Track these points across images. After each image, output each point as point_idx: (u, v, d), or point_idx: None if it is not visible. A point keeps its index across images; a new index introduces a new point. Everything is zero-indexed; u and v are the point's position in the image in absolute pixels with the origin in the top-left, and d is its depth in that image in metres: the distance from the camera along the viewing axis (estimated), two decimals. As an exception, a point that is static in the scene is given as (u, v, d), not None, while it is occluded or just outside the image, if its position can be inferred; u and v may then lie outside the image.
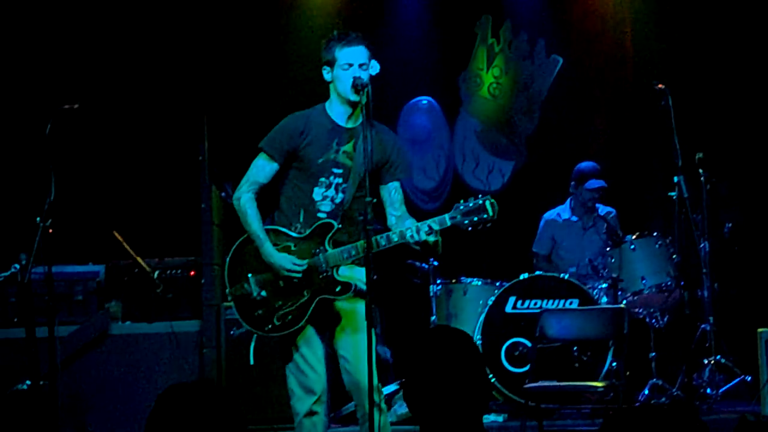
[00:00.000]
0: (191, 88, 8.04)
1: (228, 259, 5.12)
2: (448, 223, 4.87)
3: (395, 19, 8.98)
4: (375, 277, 4.77)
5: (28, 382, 6.04)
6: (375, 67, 5.01)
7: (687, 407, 2.66)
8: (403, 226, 5.04)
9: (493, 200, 4.87)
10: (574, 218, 7.87)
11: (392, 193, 5.16)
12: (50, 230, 5.75)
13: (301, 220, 5.06)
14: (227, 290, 5.12)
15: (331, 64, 5.04)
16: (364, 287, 4.85)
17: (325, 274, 5.01)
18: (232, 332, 6.81)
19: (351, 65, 4.99)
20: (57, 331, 5.91)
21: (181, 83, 8.22)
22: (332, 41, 5.05)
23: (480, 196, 4.90)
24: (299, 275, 4.99)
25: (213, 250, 6.92)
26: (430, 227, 4.87)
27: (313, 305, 5.00)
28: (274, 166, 5.09)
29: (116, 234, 7.08)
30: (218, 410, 2.78)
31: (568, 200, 7.90)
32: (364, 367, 4.67)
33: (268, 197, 5.17)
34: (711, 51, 8.35)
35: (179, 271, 7.06)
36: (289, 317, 5.01)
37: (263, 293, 5.03)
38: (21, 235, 6.17)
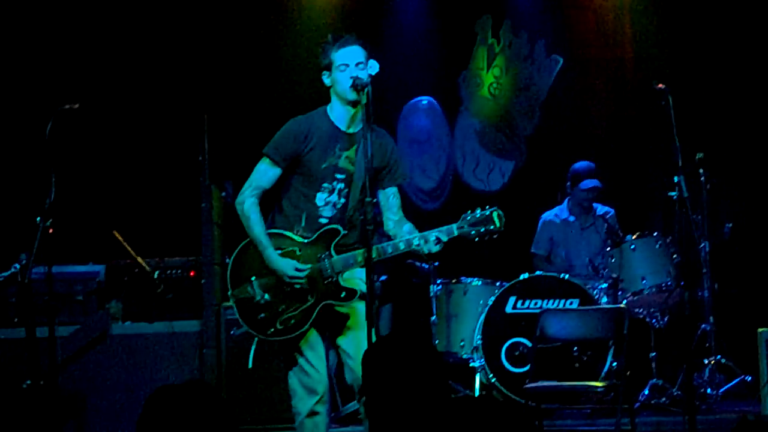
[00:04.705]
0: (191, 88, 8.05)
1: (231, 261, 5.12)
2: (456, 233, 4.89)
3: (395, 19, 8.98)
4: (383, 279, 4.78)
5: (28, 382, 6.03)
6: (374, 67, 5.01)
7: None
8: (402, 230, 5.06)
9: (500, 212, 4.90)
10: (572, 218, 7.88)
11: (390, 198, 5.18)
12: (50, 230, 5.75)
13: (303, 224, 5.06)
14: (229, 292, 5.11)
15: (329, 67, 5.06)
16: (365, 289, 4.86)
17: (329, 280, 5.01)
18: (232, 332, 6.81)
19: (347, 65, 5.00)
20: (57, 331, 5.91)
21: (181, 83, 8.23)
22: (328, 45, 5.07)
23: (487, 207, 4.92)
24: (302, 281, 4.99)
25: (213, 250, 6.92)
26: (438, 238, 4.88)
27: (317, 310, 5.00)
28: (277, 171, 5.09)
29: (116, 234, 7.08)
30: (207, 411, 2.78)
31: (566, 200, 7.91)
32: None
33: (266, 199, 5.17)
34: (711, 51, 8.36)
35: (179, 271, 7.06)
36: (292, 321, 5.01)
37: (267, 297, 5.02)
38: (21, 235, 6.17)
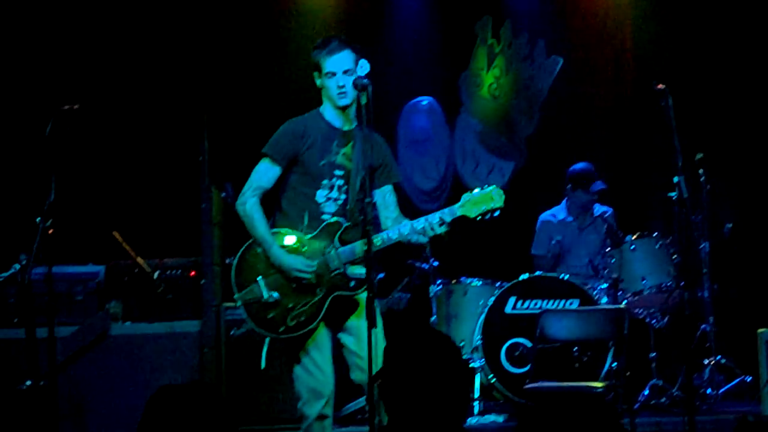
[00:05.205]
0: (191, 89, 8.04)
1: (234, 265, 5.11)
2: (458, 213, 4.94)
3: (395, 19, 8.98)
4: (381, 276, 4.78)
5: (29, 382, 6.03)
6: (365, 67, 5.04)
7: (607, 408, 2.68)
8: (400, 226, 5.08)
9: (500, 190, 4.95)
10: (570, 218, 7.88)
11: (386, 195, 5.22)
12: (50, 230, 5.74)
13: (305, 222, 5.08)
14: (236, 295, 5.10)
15: (318, 70, 5.10)
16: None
17: (337, 271, 5.02)
18: (232, 333, 6.81)
19: (335, 74, 5.03)
20: (57, 331, 5.90)
21: (181, 83, 8.23)
22: (317, 49, 5.11)
23: (486, 186, 4.97)
24: (310, 275, 5.00)
25: (213, 251, 6.91)
26: (441, 219, 4.93)
27: (327, 303, 5.01)
28: (276, 171, 5.10)
29: (116, 234, 7.07)
30: (209, 411, 2.78)
31: (564, 201, 7.91)
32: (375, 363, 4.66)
33: (265, 202, 5.17)
34: (711, 51, 8.36)
35: (179, 271, 7.05)
36: (303, 317, 5.01)
37: (275, 295, 5.02)
38: (21, 235, 6.17)
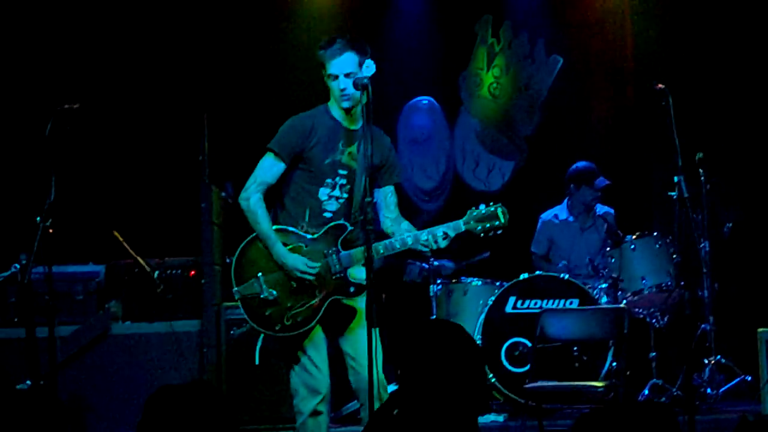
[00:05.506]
0: (191, 88, 8.05)
1: (234, 258, 5.12)
2: (462, 229, 4.99)
3: (395, 19, 8.97)
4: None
5: (28, 382, 6.03)
6: (370, 68, 5.04)
7: (663, 409, 2.68)
8: (400, 228, 5.09)
9: (504, 208, 5.02)
10: (571, 218, 7.87)
11: (388, 196, 5.22)
12: (50, 230, 5.74)
13: (306, 219, 5.08)
14: (234, 289, 5.10)
15: (324, 69, 5.10)
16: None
17: (338, 275, 5.02)
18: (232, 332, 6.81)
19: (337, 77, 5.04)
20: (57, 331, 5.91)
21: (181, 83, 8.23)
22: (321, 48, 5.12)
23: (492, 203, 5.03)
24: (312, 277, 5.00)
25: (213, 250, 6.92)
26: (446, 233, 4.97)
27: (325, 306, 5.02)
28: (281, 167, 5.10)
29: (116, 234, 7.08)
30: (209, 411, 2.78)
31: (565, 201, 7.90)
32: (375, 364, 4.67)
33: (266, 196, 5.16)
34: (711, 51, 8.35)
35: (179, 271, 7.06)
36: (300, 318, 5.01)
37: (273, 293, 5.03)
38: (21, 235, 6.17)
